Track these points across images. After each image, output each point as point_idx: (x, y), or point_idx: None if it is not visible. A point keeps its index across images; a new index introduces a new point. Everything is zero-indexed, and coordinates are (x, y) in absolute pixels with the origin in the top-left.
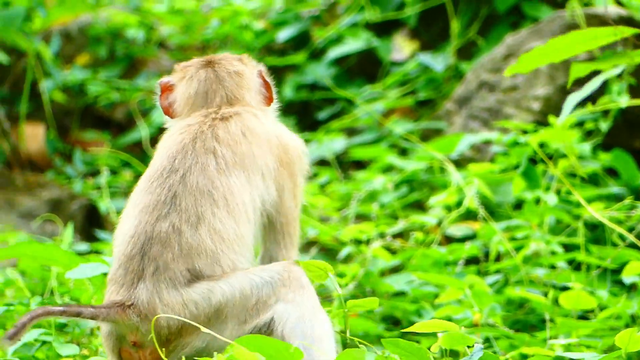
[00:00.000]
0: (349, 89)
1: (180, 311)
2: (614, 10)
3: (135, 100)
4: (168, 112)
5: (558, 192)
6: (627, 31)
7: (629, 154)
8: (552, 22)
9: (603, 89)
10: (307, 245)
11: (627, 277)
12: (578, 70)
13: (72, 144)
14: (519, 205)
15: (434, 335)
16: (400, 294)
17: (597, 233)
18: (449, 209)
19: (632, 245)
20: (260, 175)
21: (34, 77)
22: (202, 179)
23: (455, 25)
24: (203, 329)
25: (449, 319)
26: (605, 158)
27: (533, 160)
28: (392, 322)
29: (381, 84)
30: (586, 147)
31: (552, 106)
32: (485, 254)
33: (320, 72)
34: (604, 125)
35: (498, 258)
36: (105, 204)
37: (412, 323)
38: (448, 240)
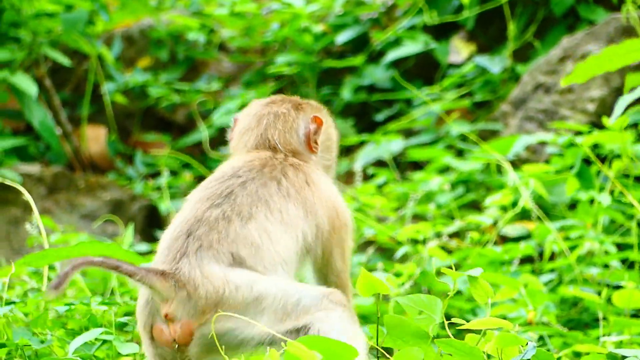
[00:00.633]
0: (406, 91)
1: (220, 286)
2: None
3: (195, 102)
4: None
5: (612, 193)
6: None
7: None
8: (607, 24)
9: None
10: (364, 245)
11: None
12: (633, 80)
13: (133, 145)
14: (573, 205)
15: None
16: (456, 293)
17: None
18: (504, 209)
19: None
20: (314, 224)
21: (96, 80)
22: (262, 190)
23: (512, 28)
24: (239, 316)
25: (504, 318)
26: None
27: (587, 161)
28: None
29: (438, 86)
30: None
31: (607, 108)
32: (540, 254)
33: (378, 74)
34: None
35: (552, 257)
36: (165, 205)
37: (467, 322)
38: (503, 239)
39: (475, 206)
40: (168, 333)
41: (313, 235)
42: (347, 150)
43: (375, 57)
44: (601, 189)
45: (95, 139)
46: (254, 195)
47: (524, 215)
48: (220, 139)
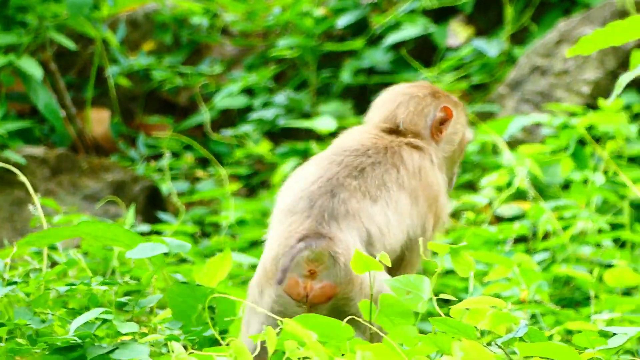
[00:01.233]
0: (405, 73)
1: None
2: None
3: (198, 85)
4: None
5: (605, 173)
6: None
7: None
8: (603, 8)
9: None
10: None
11: None
12: (638, 58)
13: (136, 128)
14: (567, 185)
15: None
16: (450, 272)
17: None
18: (499, 189)
19: None
20: (418, 215)
21: (101, 64)
22: (386, 176)
23: (509, 12)
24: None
25: (498, 296)
26: None
27: (582, 142)
28: (442, 299)
29: (436, 69)
30: (633, 129)
31: (602, 90)
32: (534, 233)
33: (378, 57)
34: None
35: (546, 237)
36: (167, 186)
37: (461, 300)
38: (498, 219)
39: (471, 186)
40: (303, 288)
41: (415, 227)
42: None
43: (374, 41)
44: (595, 170)
45: (99, 121)
46: (379, 179)
47: (519, 195)
48: (221, 121)
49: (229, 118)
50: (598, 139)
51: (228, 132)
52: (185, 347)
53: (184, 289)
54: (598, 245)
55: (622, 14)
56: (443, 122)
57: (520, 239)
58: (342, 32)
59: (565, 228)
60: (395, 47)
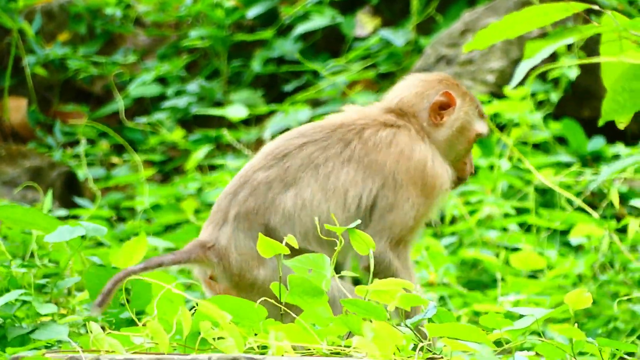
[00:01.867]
0: (314, 63)
1: (253, 268)
2: None
3: (112, 74)
4: None
5: (510, 159)
6: (578, 6)
7: (577, 123)
8: None
9: (554, 61)
10: None
11: (575, 238)
12: (532, 49)
13: (52, 116)
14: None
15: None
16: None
17: (546, 197)
18: None
19: (580, 209)
20: (380, 183)
21: (17, 53)
22: (318, 153)
23: (415, 2)
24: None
25: None
26: (555, 127)
27: None
28: (354, 283)
29: (344, 58)
30: (537, 117)
31: (506, 79)
32: (442, 218)
33: (287, 47)
34: (554, 96)
35: (453, 221)
36: (83, 172)
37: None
38: None
39: None
40: (217, 288)
41: (373, 195)
42: (256, 120)
43: (284, 31)
44: (500, 156)
45: (17, 109)
46: (306, 159)
47: None
48: (136, 109)
49: (142, 106)
50: (503, 127)
51: (142, 120)
52: (102, 328)
53: (100, 272)
54: (504, 229)
55: (526, 4)
56: (444, 107)
57: (427, 224)
58: (252, 22)
59: (472, 213)
60: (304, 37)
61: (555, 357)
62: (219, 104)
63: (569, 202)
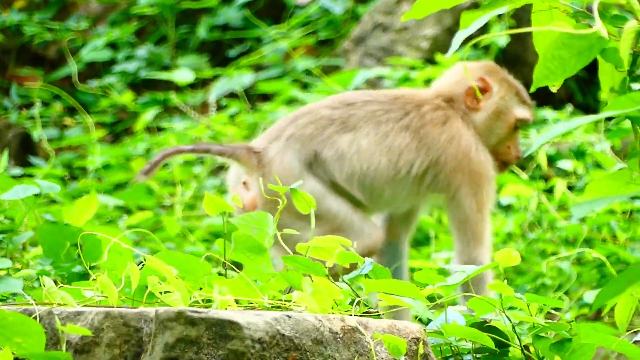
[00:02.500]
0: (257, 30)
1: (288, 180)
2: None
3: (66, 40)
4: None
5: None
6: None
7: None
8: None
9: (485, 29)
10: (217, 170)
11: (504, 198)
12: (467, 19)
13: (8, 79)
14: None
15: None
16: None
17: None
18: None
19: (510, 171)
20: (430, 159)
21: None
22: (381, 113)
23: None
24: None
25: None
26: None
27: None
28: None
29: (286, 25)
30: None
31: (439, 45)
32: None
33: (231, 14)
34: None
35: None
36: (38, 133)
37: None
38: None
39: None
40: (244, 197)
41: (424, 168)
42: (202, 84)
43: None
44: None
45: None
46: (369, 113)
47: None
48: (87, 73)
49: (94, 70)
50: None
51: (94, 83)
52: (55, 282)
53: (53, 228)
54: None
55: None
56: (482, 92)
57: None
58: None
59: None
60: (248, 5)
61: (485, 312)
62: (166, 69)
63: None
